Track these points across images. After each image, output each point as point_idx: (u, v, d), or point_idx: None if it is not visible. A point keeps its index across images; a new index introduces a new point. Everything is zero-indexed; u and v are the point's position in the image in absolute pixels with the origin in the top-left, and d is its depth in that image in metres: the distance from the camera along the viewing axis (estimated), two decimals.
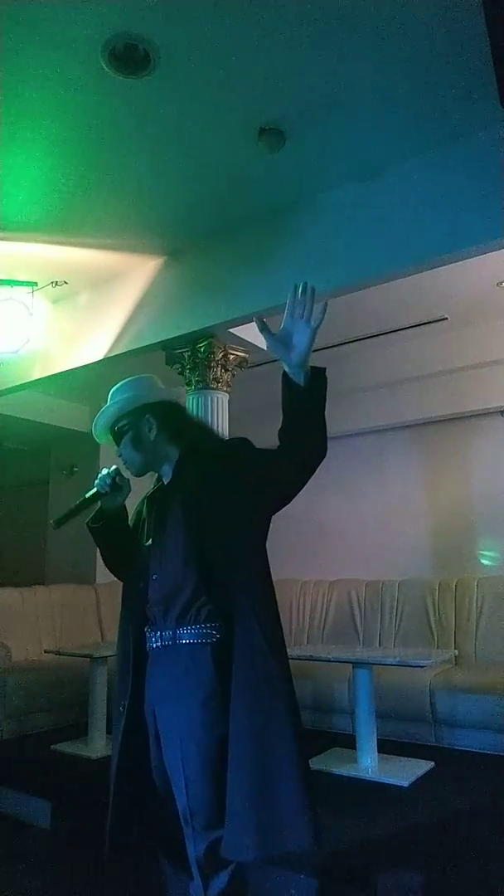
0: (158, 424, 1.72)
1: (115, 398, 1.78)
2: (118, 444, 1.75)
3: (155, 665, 1.66)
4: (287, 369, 1.51)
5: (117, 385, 1.80)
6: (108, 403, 1.77)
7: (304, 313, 1.50)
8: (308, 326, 1.50)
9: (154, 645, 1.65)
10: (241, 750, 1.48)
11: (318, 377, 1.53)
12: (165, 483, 1.75)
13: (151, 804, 1.64)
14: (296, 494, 1.62)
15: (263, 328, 1.53)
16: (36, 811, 2.86)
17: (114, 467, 1.77)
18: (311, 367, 1.52)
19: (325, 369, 1.54)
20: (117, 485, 1.74)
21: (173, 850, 1.62)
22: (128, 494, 1.78)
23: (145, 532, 1.73)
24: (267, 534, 1.70)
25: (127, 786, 1.63)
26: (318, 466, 1.56)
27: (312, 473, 1.58)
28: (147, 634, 1.68)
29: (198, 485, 1.64)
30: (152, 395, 1.77)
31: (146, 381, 1.81)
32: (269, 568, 1.67)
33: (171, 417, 1.75)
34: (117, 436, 1.74)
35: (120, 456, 1.75)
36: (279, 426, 1.56)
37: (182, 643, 1.61)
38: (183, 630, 1.61)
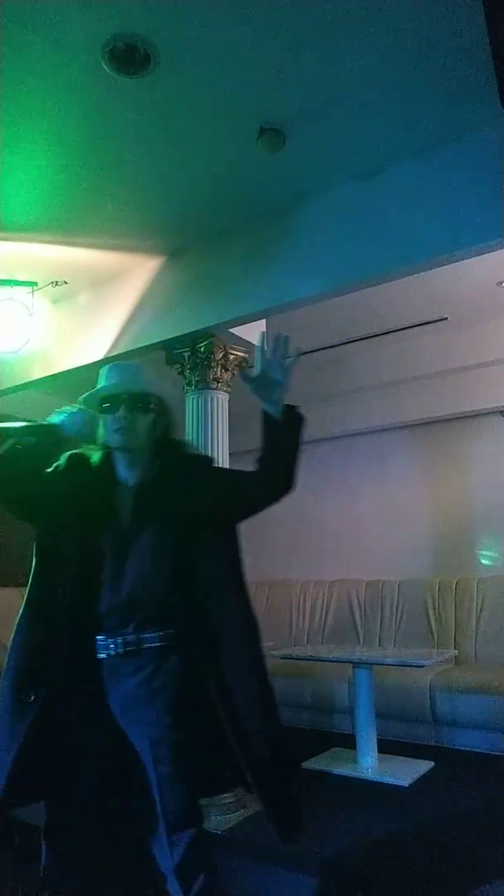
0: (167, 428, 1.80)
1: (147, 376, 1.79)
2: (129, 412, 1.70)
3: (114, 673, 1.62)
4: (268, 407, 1.72)
5: (122, 364, 1.82)
6: (143, 375, 1.78)
7: (280, 357, 1.78)
8: (284, 367, 1.77)
9: (113, 652, 1.61)
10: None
11: (295, 414, 1.76)
12: (128, 482, 1.73)
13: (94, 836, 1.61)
14: (255, 514, 1.81)
15: (245, 377, 1.75)
16: (36, 811, 2.86)
17: (83, 408, 1.75)
18: (288, 405, 1.75)
19: (299, 409, 1.77)
20: (83, 431, 1.74)
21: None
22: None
23: (91, 527, 1.68)
24: (237, 542, 1.84)
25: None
26: (283, 497, 1.75)
27: (277, 502, 1.77)
28: (101, 641, 1.63)
29: (181, 495, 1.69)
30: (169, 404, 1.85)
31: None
32: (241, 571, 1.85)
33: (173, 428, 1.84)
34: (135, 406, 1.72)
35: (124, 423, 1.69)
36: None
37: (148, 647, 1.61)
38: (149, 634, 1.61)
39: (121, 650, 1.61)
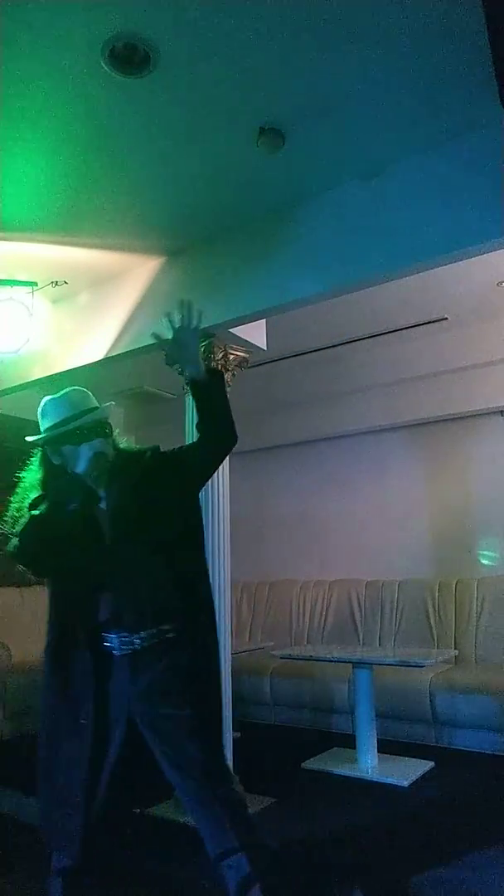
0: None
1: (93, 402, 1.92)
2: (102, 439, 1.85)
3: (127, 667, 1.74)
4: (191, 370, 1.86)
5: (76, 391, 1.93)
6: (89, 404, 1.90)
7: (188, 321, 1.90)
8: (194, 330, 1.91)
9: (129, 648, 1.74)
10: None
11: (215, 371, 1.95)
12: (105, 501, 1.83)
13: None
14: (212, 474, 2.02)
15: (164, 351, 1.92)
16: (36, 811, 2.86)
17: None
18: (208, 367, 1.90)
19: (221, 372, 1.90)
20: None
21: None
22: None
23: (85, 536, 1.79)
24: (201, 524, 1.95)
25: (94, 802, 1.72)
26: (230, 450, 1.89)
27: (226, 456, 1.93)
28: (116, 638, 1.75)
29: (142, 486, 1.82)
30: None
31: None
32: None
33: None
34: (104, 431, 1.88)
35: (97, 452, 1.82)
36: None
37: (167, 638, 1.76)
38: (164, 627, 1.76)
39: (138, 644, 1.74)
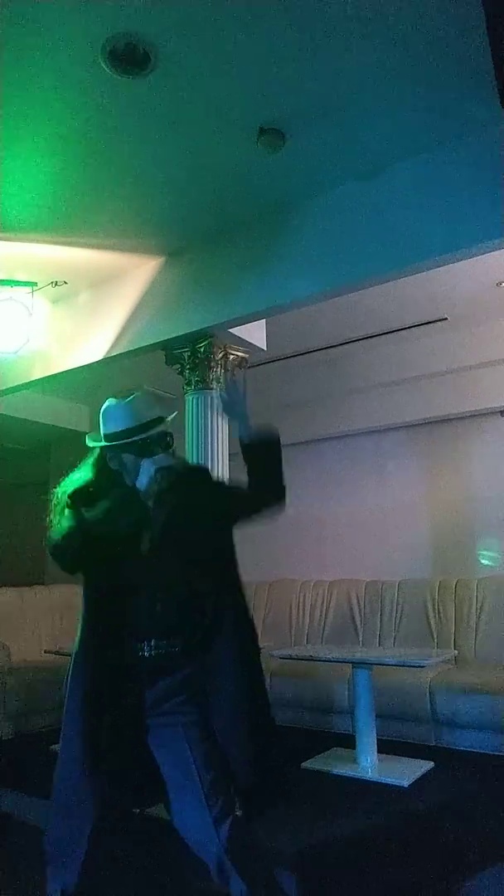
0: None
1: (157, 409, 1.88)
2: (157, 453, 1.80)
3: (154, 673, 1.73)
4: (241, 430, 1.85)
5: (143, 398, 1.87)
6: (155, 413, 1.85)
7: (234, 395, 1.92)
8: (240, 401, 1.91)
9: (158, 652, 1.72)
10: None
11: (267, 430, 1.86)
12: (149, 501, 1.80)
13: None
14: (254, 522, 1.90)
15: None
16: (36, 811, 2.86)
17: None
18: (264, 426, 1.85)
19: (275, 432, 1.86)
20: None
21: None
22: None
23: (128, 544, 1.76)
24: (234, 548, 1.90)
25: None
26: (276, 507, 1.85)
27: (272, 511, 1.86)
28: (148, 644, 1.73)
29: (190, 507, 1.80)
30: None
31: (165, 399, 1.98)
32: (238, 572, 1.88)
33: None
34: (168, 443, 1.84)
35: (160, 467, 1.79)
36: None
37: (186, 650, 1.74)
38: (179, 637, 1.74)
39: (163, 650, 1.73)
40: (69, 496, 1.74)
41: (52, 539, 1.75)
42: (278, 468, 1.84)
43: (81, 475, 1.83)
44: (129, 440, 1.78)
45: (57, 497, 1.79)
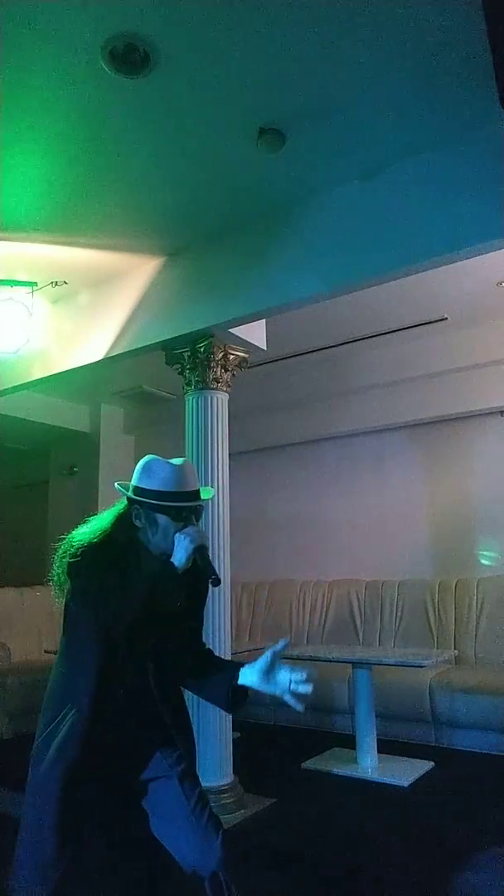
0: None
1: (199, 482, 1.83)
2: (192, 522, 1.76)
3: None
4: (249, 681, 1.74)
5: (190, 465, 1.81)
6: (198, 484, 1.81)
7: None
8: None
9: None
10: None
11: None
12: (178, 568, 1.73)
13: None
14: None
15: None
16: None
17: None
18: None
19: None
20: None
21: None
22: None
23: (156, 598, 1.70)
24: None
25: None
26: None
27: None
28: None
29: (196, 592, 1.80)
30: None
31: None
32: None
33: None
34: (199, 518, 1.80)
35: (196, 542, 1.71)
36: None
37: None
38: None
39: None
40: (93, 550, 1.68)
41: (105, 604, 1.63)
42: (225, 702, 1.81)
43: (99, 526, 1.75)
44: (181, 504, 1.71)
45: (79, 545, 1.70)
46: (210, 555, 1.76)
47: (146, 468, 1.77)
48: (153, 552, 1.74)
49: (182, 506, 1.72)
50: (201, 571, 1.72)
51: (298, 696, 1.70)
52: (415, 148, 2.64)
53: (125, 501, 1.78)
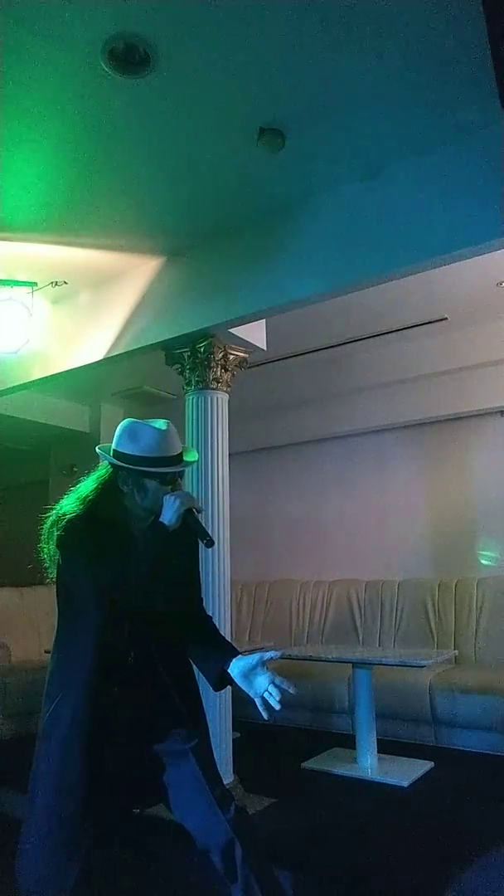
0: None
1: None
2: (178, 485, 1.79)
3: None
4: (233, 673, 1.77)
5: (173, 429, 1.80)
6: (181, 447, 1.81)
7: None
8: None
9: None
10: None
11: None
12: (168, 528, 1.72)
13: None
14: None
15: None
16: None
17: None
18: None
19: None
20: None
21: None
22: None
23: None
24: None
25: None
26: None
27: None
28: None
29: (188, 551, 1.84)
30: None
31: None
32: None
33: None
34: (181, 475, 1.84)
35: (186, 504, 1.72)
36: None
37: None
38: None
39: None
40: (81, 519, 1.67)
41: (98, 571, 1.62)
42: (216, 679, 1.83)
43: (84, 491, 1.75)
44: (167, 469, 1.71)
45: (65, 516, 1.69)
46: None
47: (130, 432, 1.75)
48: (140, 514, 1.74)
49: (170, 471, 1.72)
50: (193, 534, 1.73)
51: (267, 706, 1.70)
52: (415, 148, 2.64)
53: (107, 466, 1.77)
